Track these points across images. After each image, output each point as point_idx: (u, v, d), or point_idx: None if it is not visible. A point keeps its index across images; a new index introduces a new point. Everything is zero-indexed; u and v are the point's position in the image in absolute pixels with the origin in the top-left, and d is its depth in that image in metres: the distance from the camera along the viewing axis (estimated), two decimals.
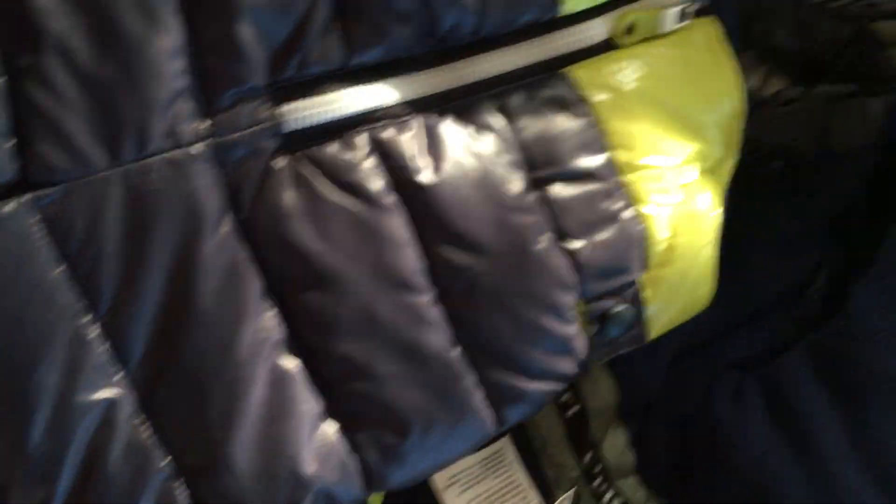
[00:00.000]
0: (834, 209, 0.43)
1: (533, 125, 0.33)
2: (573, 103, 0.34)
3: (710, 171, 0.37)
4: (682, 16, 0.37)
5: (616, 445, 0.41)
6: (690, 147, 0.36)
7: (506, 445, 0.40)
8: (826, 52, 0.42)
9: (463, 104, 0.33)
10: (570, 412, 0.41)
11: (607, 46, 0.36)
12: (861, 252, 0.42)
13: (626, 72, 0.35)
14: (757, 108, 0.40)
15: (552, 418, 0.41)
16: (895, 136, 0.42)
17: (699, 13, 0.38)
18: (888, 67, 0.41)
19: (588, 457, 0.41)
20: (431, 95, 0.32)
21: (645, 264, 0.35)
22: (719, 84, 0.38)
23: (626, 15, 0.36)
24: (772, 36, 0.42)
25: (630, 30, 0.36)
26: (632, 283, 0.35)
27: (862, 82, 0.41)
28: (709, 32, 0.38)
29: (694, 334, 0.42)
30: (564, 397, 0.41)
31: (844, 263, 0.44)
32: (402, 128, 0.31)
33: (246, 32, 0.28)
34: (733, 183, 0.41)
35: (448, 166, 0.31)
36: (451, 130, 0.32)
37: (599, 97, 0.34)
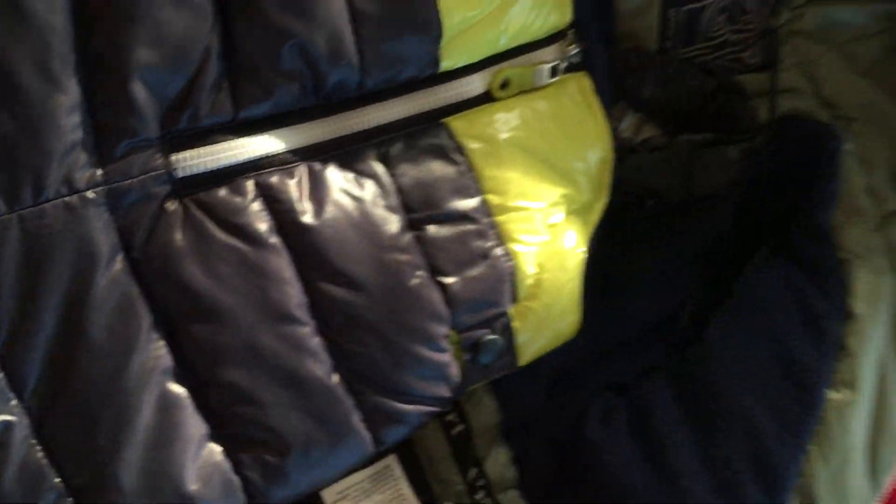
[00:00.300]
0: (701, 245, 0.47)
1: (411, 172, 0.37)
2: (450, 151, 0.37)
3: (577, 213, 0.41)
4: (555, 71, 0.41)
5: (498, 462, 0.45)
6: (558, 191, 0.40)
7: (393, 462, 0.44)
8: (692, 103, 0.47)
9: (346, 152, 0.36)
10: (455, 431, 0.45)
11: (485, 98, 0.40)
12: (725, 285, 0.46)
13: (501, 123, 0.39)
14: (629, 154, 0.44)
15: (438, 437, 0.45)
16: (753, 179, 0.47)
17: (571, 68, 0.42)
18: (749, 117, 0.46)
19: (472, 473, 0.45)
20: (317, 144, 0.36)
21: (514, 297, 0.38)
22: (588, 134, 0.42)
23: (501, 71, 0.39)
24: (642, 88, 0.46)
25: (505, 84, 0.40)
26: (502, 315, 0.38)
27: (722, 132, 0.46)
28: (580, 86, 0.42)
29: (572, 359, 0.45)
30: (449, 417, 0.45)
31: (711, 295, 0.48)
32: (287, 174, 0.34)
33: (139, 90, 0.31)
34: (610, 220, 0.45)
35: (330, 210, 0.35)
36: (333, 176, 0.35)
37: (474, 146, 0.38)
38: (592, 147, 0.42)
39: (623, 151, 0.44)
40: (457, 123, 0.38)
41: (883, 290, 0.44)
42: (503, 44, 0.39)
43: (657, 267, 0.47)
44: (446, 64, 0.37)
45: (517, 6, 0.39)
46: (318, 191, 0.35)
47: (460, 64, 0.38)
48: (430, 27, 0.36)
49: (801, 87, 0.49)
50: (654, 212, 0.46)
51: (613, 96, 0.46)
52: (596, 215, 0.43)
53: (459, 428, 0.45)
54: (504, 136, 0.39)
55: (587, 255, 0.42)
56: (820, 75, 0.49)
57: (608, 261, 0.47)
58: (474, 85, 0.39)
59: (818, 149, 0.46)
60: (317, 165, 0.35)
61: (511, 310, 0.39)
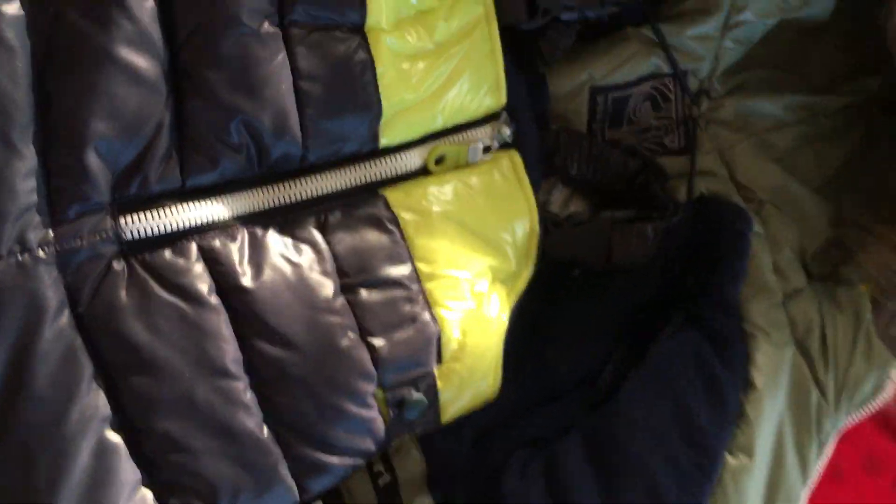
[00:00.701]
0: (622, 311, 0.51)
1: (347, 239, 0.40)
2: (385, 221, 0.40)
3: (503, 282, 0.44)
4: (488, 149, 0.44)
5: None
6: (486, 261, 0.43)
7: None
8: (617, 181, 0.51)
9: (287, 219, 0.39)
10: (382, 482, 0.47)
11: (422, 172, 0.43)
12: (643, 349, 0.50)
13: (434, 196, 0.42)
14: (554, 227, 0.48)
15: (365, 487, 0.47)
16: (670, 253, 0.51)
17: (504, 146, 0.45)
18: (668, 196, 0.50)
19: None
20: (259, 211, 0.38)
21: (439, 359, 0.41)
22: (516, 208, 0.45)
23: (437, 148, 0.43)
24: (570, 166, 0.49)
25: (440, 160, 0.43)
26: (427, 375, 0.41)
27: (642, 209, 0.49)
28: (511, 163, 0.45)
29: (497, 414, 0.48)
30: (377, 467, 0.47)
31: (630, 358, 0.51)
32: (230, 238, 0.37)
33: (93, 159, 0.33)
34: (537, 286, 0.48)
35: (268, 273, 0.37)
36: (273, 242, 0.38)
37: (408, 217, 0.41)
38: (520, 220, 0.45)
39: (549, 224, 0.47)
40: (393, 195, 0.41)
41: (782, 363, 0.48)
42: (440, 123, 0.43)
43: (580, 330, 0.50)
44: (385, 141, 0.41)
45: (454, 90, 0.42)
46: (257, 255, 0.37)
47: (399, 141, 0.41)
48: (370, 108, 0.39)
49: (718, 170, 0.53)
50: (578, 279, 0.50)
51: (544, 172, 0.49)
52: (522, 283, 0.46)
53: (386, 479, 0.47)
54: (437, 208, 0.42)
55: (513, 320, 0.46)
56: (735, 161, 0.53)
57: (535, 324, 0.50)
58: (412, 160, 0.42)
59: (730, 229, 0.50)
60: (258, 231, 0.38)
61: (436, 370, 0.41)
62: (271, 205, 0.39)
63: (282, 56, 0.37)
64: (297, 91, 0.37)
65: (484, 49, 0.43)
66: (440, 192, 0.42)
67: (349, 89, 0.38)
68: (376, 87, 0.39)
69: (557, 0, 0.44)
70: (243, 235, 0.38)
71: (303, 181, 0.39)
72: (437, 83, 0.42)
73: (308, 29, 0.37)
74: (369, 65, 0.39)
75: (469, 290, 0.42)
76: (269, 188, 0.39)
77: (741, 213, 0.51)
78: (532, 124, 0.48)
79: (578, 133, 0.49)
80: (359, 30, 0.38)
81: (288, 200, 0.39)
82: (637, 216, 0.49)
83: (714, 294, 0.49)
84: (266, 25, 0.36)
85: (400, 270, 0.40)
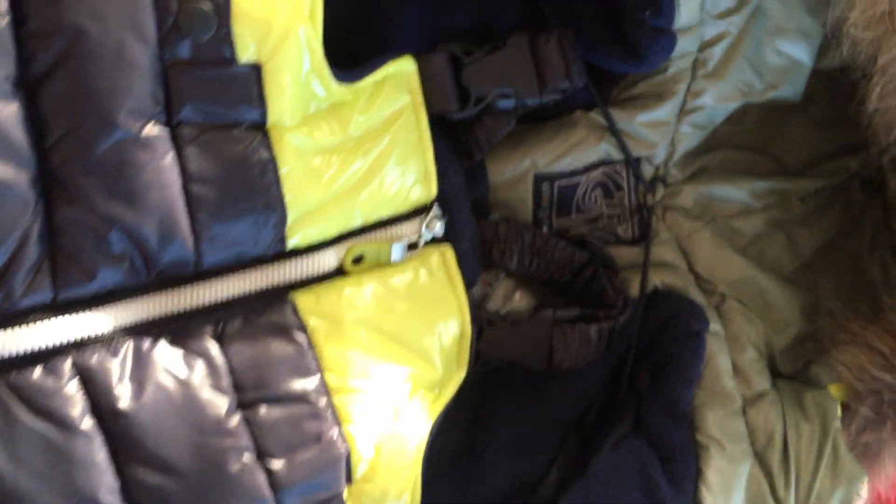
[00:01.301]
0: (569, 412, 0.47)
1: (247, 351, 0.36)
2: (292, 329, 0.37)
3: (427, 390, 0.41)
4: (414, 246, 0.41)
5: None
6: (406, 370, 0.40)
7: None
8: (561, 275, 0.47)
9: (178, 329, 0.36)
10: None
11: (339, 272, 0.40)
12: (589, 454, 0.46)
13: (349, 300, 0.39)
14: (491, 326, 0.45)
15: None
16: (618, 354, 0.47)
17: (434, 241, 0.42)
18: (618, 291, 0.46)
19: None
20: (147, 321, 0.35)
21: (349, 480, 0.38)
22: (446, 309, 0.42)
23: (354, 248, 0.40)
24: (509, 260, 0.46)
25: (359, 260, 0.40)
26: (335, 498, 0.38)
27: (589, 306, 0.46)
28: (441, 259, 0.42)
29: None
30: None
31: (575, 464, 0.47)
32: (111, 352, 0.34)
33: None
34: (471, 390, 0.45)
35: (150, 392, 0.34)
36: (161, 355, 0.35)
37: (318, 324, 0.38)
38: (449, 322, 0.42)
39: (484, 324, 0.44)
40: (303, 299, 0.38)
41: (736, 481, 0.44)
42: (359, 221, 0.40)
43: (522, 433, 0.47)
44: (294, 242, 0.38)
45: (374, 185, 0.39)
46: (140, 371, 0.34)
47: (310, 242, 0.38)
48: (273, 210, 0.36)
49: (675, 262, 0.49)
50: (517, 381, 0.46)
51: (483, 266, 0.46)
52: (451, 388, 0.42)
53: None
54: (351, 314, 0.39)
55: (446, 425, 0.42)
56: (694, 251, 0.50)
57: (472, 428, 0.47)
58: (326, 260, 0.39)
59: (683, 328, 0.46)
60: (145, 343, 0.35)
61: (345, 493, 0.38)
62: (162, 314, 0.36)
63: (170, 158, 0.34)
64: (188, 195, 0.34)
65: (410, 139, 0.41)
66: (356, 296, 0.39)
67: (247, 191, 0.35)
68: (279, 187, 0.36)
69: (490, 88, 0.41)
70: (127, 349, 0.34)
71: (198, 287, 0.36)
72: (353, 179, 0.39)
73: (200, 128, 0.34)
74: (271, 164, 0.36)
75: (384, 404, 0.39)
76: (160, 296, 0.36)
77: (696, 311, 0.47)
78: (469, 215, 0.45)
79: (519, 224, 0.46)
80: (259, 128, 0.36)
81: (181, 308, 0.36)
82: (581, 315, 0.45)
83: (664, 400, 0.45)
84: (150, 127, 0.33)
85: (305, 384, 0.37)
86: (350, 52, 0.39)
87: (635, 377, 0.47)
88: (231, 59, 0.34)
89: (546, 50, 0.42)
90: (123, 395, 0.34)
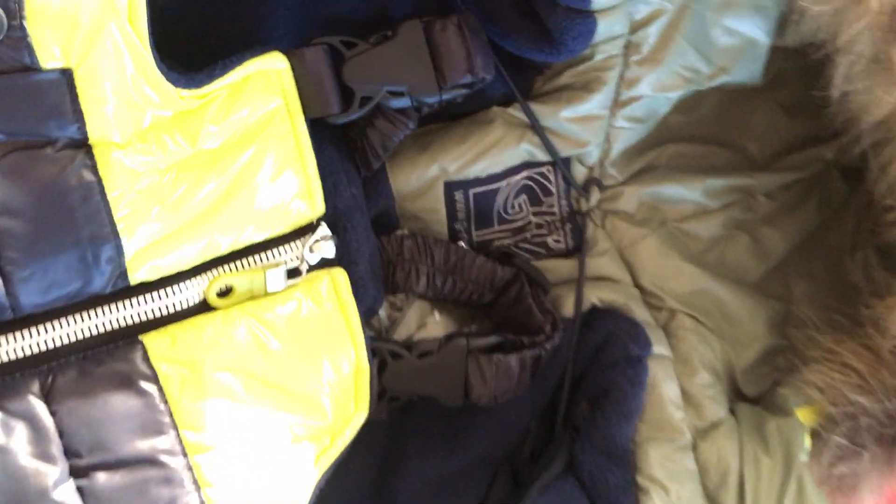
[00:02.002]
0: (493, 452, 0.41)
1: (81, 408, 0.31)
2: (138, 379, 0.32)
3: (314, 439, 0.35)
4: (296, 272, 0.36)
5: None
6: (284, 418, 0.34)
7: None
8: (482, 295, 0.41)
9: None
10: None
11: (203, 307, 0.34)
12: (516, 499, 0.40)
13: (212, 340, 0.33)
14: (395, 359, 0.39)
15: None
16: (547, 387, 0.41)
17: (323, 264, 0.37)
18: (547, 312, 0.40)
19: None
20: None
21: None
22: (334, 343, 0.36)
23: (218, 279, 0.34)
24: (413, 282, 0.40)
25: (225, 293, 0.34)
26: None
27: (508, 332, 0.40)
28: (332, 285, 0.36)
29: None
30: None
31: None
32: None
33: None
34: (384, 429, 0.39)
35: None
36: None
37: (172, 371, 0.32)
38: (341, 358, 0.36)
39: (387, 356, 0.38)
40: (155, 342, 0.32)
41: None
42: (225, 247, 0.34)
43: (440, 477, 0.41)
44: (141, 277, 0.32)
45: (238, 205, 0.33)
46: None
47: (163, 275, 0.33)
48: (103, 242, 0.30)
49: (617, 274, 0.43)
50: (434, 417, 0.41)
51: (386, 289, 0.40)
52: (347, 434, 0.37)
53: None
54: (213, 357, 0.33)
55: (349, 475, 0.37)
56: (639, 261, 0.44)
57: (379, 476, 0.41)
58: (186, 294, 0.34)
59: (621, 353, 0.40)
60: None
61: None
62: None
63: None
64: None
65: (285, 148, 0.35)
66: (221, 335, 0.33)
67: (67, 221, 0.30)
68: (109, 215, 0.30)
69: (379, 86, 0.35)
70: None
71: (17, 335, 0.31)
72: (210, 199, 0.33)
73: (4, 149, 0.29)
74: (96, 188, 0.30)
75: (255, 461, 0.33)
76: None
77: (636, 331, 0.41)
78: (368, 232, 0.39)
79: (428, 239, 0.40)
80: (79, 146, 0.30)
81: None
82: (502, 342, 0.39)
83: (599, 436, 0.39)
84: None
85: (155, 443, 0.32)
86: (212, 49, 0.34)
87: (573, 409, 0.41)
88: (32, 65, 0.28)
89: (443, 38, 0.35)
90: None
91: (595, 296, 0.42)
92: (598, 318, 0.42)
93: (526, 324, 0.40)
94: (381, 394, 0.38)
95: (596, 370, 0.41)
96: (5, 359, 0.31)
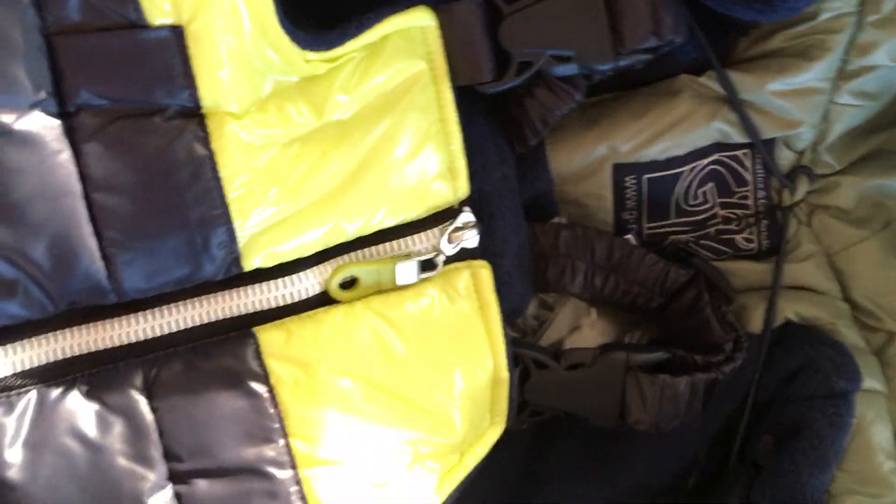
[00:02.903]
0: (649, 481, 0.36)
1: (185, 406, 0.28)
2: (248, 378, 0.28)
3: (438, 458, 0.31)
4: (430, 265, 0.31)
5: None
6: (406, 434, 0.30)
7: None
8: (650, 301, 0.35)
9: (97, 376, 0.27)
10: None
11: (327, 300, 0.30)
12: None
13: (330, 338, 0.29)
14: (541, 370, 0.33)
15: None
16: (720, 414, 0.35)
17: (463, 256, 0.32)
18: (729, 325, 0.33)
19: None
20: (57, 363, 0.27)
21: None
22: (470, 348, 0.31)
23: (342, 268, 0.30)
24: (568, 281, 0.34)
25: (350, 284, 0.30)
26: None
27: (683, 345, 0.33)
28: (474, 282, 0.32)
29: None
30: None
31: None
32: (7, 405, 0.27)
33: None
34: (522, 446, 0.35)
35: (50, 460, 0.27)
36: (70, 410, 0.27)
37: (285, 371, 0.28)
38: (476, 366, 0.31)
39: (530, 365, 0.33)
40: (269, 337, 0.29)
41: None
42: (352, 231, 0.30)
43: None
44: (257, 263, 0.28)
45: (369, 185, 0.29)
46: (40, 431, 0.27)
47: (280, 261, 0.29)
48: (214, 225, 0.27)
49: (821, 285, 0.35)
50: (581, 437, 0.35)
51: (535, 288, 0.35)
52: (479, 451, 0.32)
53: None
54: (331, 358, 0.29)
55: (480, 498, 0.32)
56: (852, 270, 0.36)
57: (516, 496, 0.36)
58: (305, 284, 0.30)
59: (822, 385, 0.33)
60: (53, 392, 0.27)
61: None
62: (77, 352, 0.28)
63: (64, 158, 0.25)
64: (91, 206, 0.26)
65: (427, 121, 0.30)
66: (341, 334, 0.29)
67: (175, 200, 0.26)
68: (222, 194, 0.27)
69: (541, 50, 0.29)
70: (28, 401, 0.27)
71: (123, 321, 0.28)
72: (337, 178, 0.29)
73: (105, 117, 0.25)
74: (208, 164, 0.26)
75: (369, 479, 0.29)
76: (73, 331, 0.28)
77: (843, 360, 0.33)
78: (518, 220, 0.33)
79: (589, 230, 0.34)
80: (192, 115, 0.26)
81: (102, 346, 0.28)
82: (670, 360, 0.33)
83: (786, 483, 0.32)
84: (30, 118, 0.24)
85: (263, 452, 0.28)
86: (346, 4, 0.29)
87: (752, 442, 0.34)
88: (138, 22, 0.25)
89: None
90: (14, 463, 0.26)
91: (792, 309, 0.35)
92: (793, 337, 0.34)
93: (701, 339, 0.34)
94: (521, 406, 0.33)
95: (786, 401, 0.33)
96: (108, 344, 0.28)
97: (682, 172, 0.34)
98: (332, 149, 0.28)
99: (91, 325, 0.28)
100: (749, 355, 0.34)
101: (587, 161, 0.34)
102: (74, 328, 0.28)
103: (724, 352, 0.33)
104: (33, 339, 0.27)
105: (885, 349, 0.35)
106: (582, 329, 0.35)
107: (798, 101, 0.32)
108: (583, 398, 0.33)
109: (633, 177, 0.34)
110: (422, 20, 0.29)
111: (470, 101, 0.31)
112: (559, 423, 0.35)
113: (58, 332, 0.28)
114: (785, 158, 0.35)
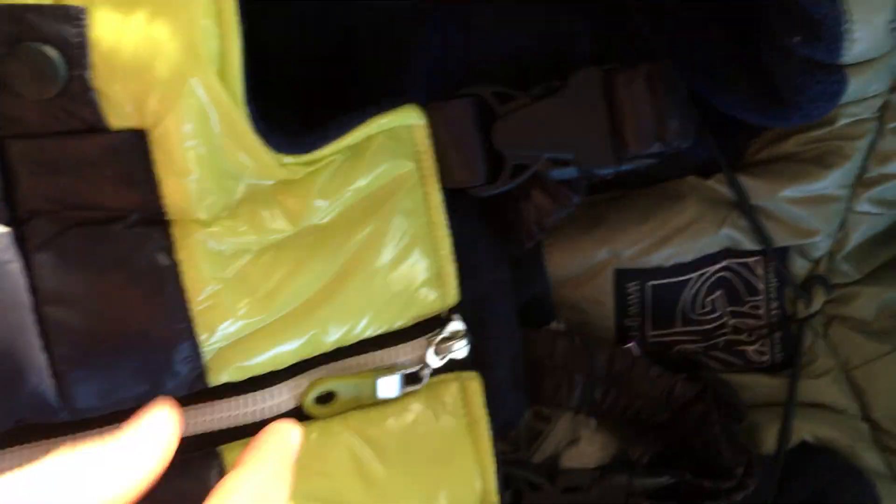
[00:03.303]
0: None
1: None
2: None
3: None
4: (414, 378, 0.29)
5: None
6: None
7: None
8: (655, 412, 0.32)
9: None
10: None
11: (297, 415, 0.28)
12: None
13: (304, 460, 0.26)
14: (533, 490, 0.31)
15: None
16: None
17: (451, 367, 0.29)
18: (739, 446, 0.31)
19: None
20: None
21: None
22: (457, 469, 0.29)
23: (317, 383, 0.27)
24: (564, 395, 0.32)
25: (327, 399, 0.28)
26: None
27: (690, 467, 0.31)
28: (460, 395, 0.29)
29: None
30: None
31: None
32: None
33: None
34: None
35: None
36: None
37: None
38: (463, 488, 0.29)
39: (523, 487, 0.30)
40: (236, 457, 0.26)
41: None
42: (330, 341, 0.27)
43: None
44: (224, 378, 0.26)
45: (349, 293, 0.27)
46: None
47: (251, 375, 0.27)
48: (177, 340, 0.25)
49: (838, 402, 0.33)
50: None
51: (530, 400, 0.32)
52: None
53: None
54: (303, 483, 0.26)
55: None
56: (874, 387, 0.33)
57: None
58: (277, 399, 0.28)
59: None
60: None
61: None
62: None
63: (14, 268, 0.23)
64: (42, 321, 0.23)
65: (414, 225, 0.28)
66: (315, 455, 0.27)
67: (134, 314, 0.24)
68: (186, 308, 0.24)
69: (537, 153, 0.27)
70: None
71: (72, 440, 0.26)
72: (313, 287, 0.26)
73: (62, 224, 0.23)
74: (170, 275, 0.24)
75: None
76: (23, 449, 0.25)
77: (862, 486, 0.30)
78: (512, 327, 0.31)
79: (588, 339, 0.32)
80: (156, 221, 0.24)
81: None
82: (676, 485, 0.30)
83: None
84: None
85: None
86: (329, 105, 0.27)
87: None
88: (97, 125, 0.23)
89: (627, 94, 0.27)
90: None
91: (808, 430, 0.32)
92: (808, 460, 0.32)
93: (709, 460, 0.31)
94: None
95: None
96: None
97: (689, 279, 0.32)
98: (310, 256, 0.26)
99: (40, 443, 0.26)
100: (760, 480, 0.31)
101: (587, 265, 0.32)
102: (24, 446, 0.25)
103: (735, 477, 0.30)
104: None
105: None
106: (580, 442, 0.33)
107: (814, 209, 0.30)
108: None
109: (636, 283, 0.32)
110: (409, 119, 0.27)
111: (461, 203, 0.29)
112: None
113: (5, 450, 0.25)
114: (800, 267, 0.32)
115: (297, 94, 0.27)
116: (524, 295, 0.32)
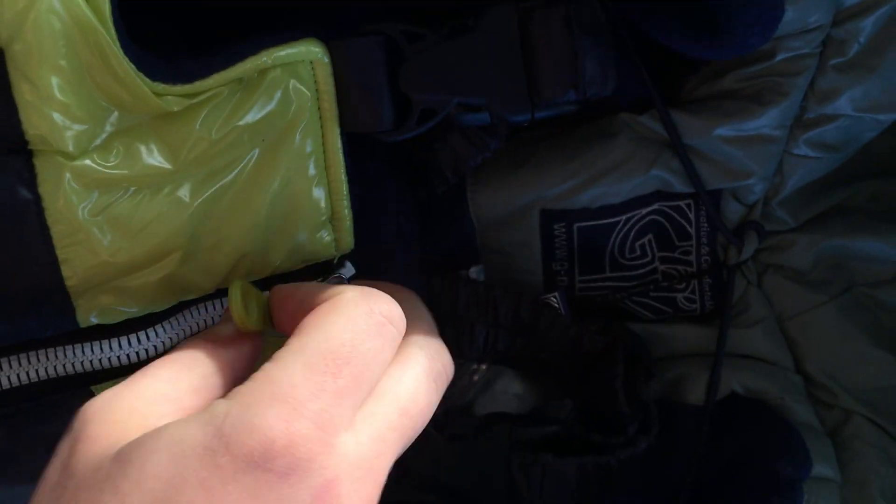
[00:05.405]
0: None
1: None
2: None
3: None
4: None
5: None
6: None
7: None
8: (562, 364, 0.31)
9: None
10: None
11: None
12: None
13: None
14: (423, 439, 0.29)
15: None
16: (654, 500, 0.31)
17: None
18: (634, 401, 0.30)
19: None
20: None
21: None
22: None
23: None
24: (467, 343, 0.30)
25: None
26: None
27: (578, 424, 0.30)
28: None
29: None
30: None
31: None
32: None
33: None
34: None
35: None
36: None
37: None
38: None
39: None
40: None
41: None
42: (210, 285, 0.26)
43: None
44: (93, 320, 0.25)
45: (231, 234, 0.25)
46: None
47: (125, 318, 0.25)
48: (40, 280, 0.23)
49: (770, 354, 0.32)
50: None
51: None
52: None
53: None
54: None
55: None
56: (807, 338, 0.32)
57: None
58: (154, 341, 0.26)
59: (767, 471, 0.29)
60: None
61: None
62: None
63: None
64: None
65: (309, 164, 0.25)
66: None
67: None
68: (50, 245, 0.22)
69: (446, 97, 0.25)
70: None
71: None
72: (189, 227, 0.24)
73: None
74: (33, 210, 0.22)
75: None
76: None
77: (792, 442, 0.29)
78: (412, 278, 0.29)
79: (491, 289, 0.30)
80: (16, 150, 0.22)
81: None
82: (563, 436, 0.29)
83: None
84: None
85: None
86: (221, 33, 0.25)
87: None
88: None
89: (543, 34, 0.24)
90: None
91: (737, 380, 0.31)
92: (737, 413, 0.30)
93: (608, 415, 0.30)
94: (399, 477, 0.29)
95: (728, 491, 0.29)
96: None
97: (618, 222, 0.30)
98: (188, 194, 0.24)
99: None
100: (690, 432, 0.30)
101: (512, 206, 0.30)
102: None
103: (626, 434, 0.29)
104: None
105: (839, 429, 0.31)
106: (494, 389, 0.31)
107: (749, 149, 0.28)
108: (466, 474, 0.29)
109: (562, 225, 0.30)
110: (310, 54, 0.25)
111: (364, 143, 0.27)
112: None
113: None
114: (733, 212, 0.31)
115: (210, 20, 0.24)
116: (447, 237, 0.30)
